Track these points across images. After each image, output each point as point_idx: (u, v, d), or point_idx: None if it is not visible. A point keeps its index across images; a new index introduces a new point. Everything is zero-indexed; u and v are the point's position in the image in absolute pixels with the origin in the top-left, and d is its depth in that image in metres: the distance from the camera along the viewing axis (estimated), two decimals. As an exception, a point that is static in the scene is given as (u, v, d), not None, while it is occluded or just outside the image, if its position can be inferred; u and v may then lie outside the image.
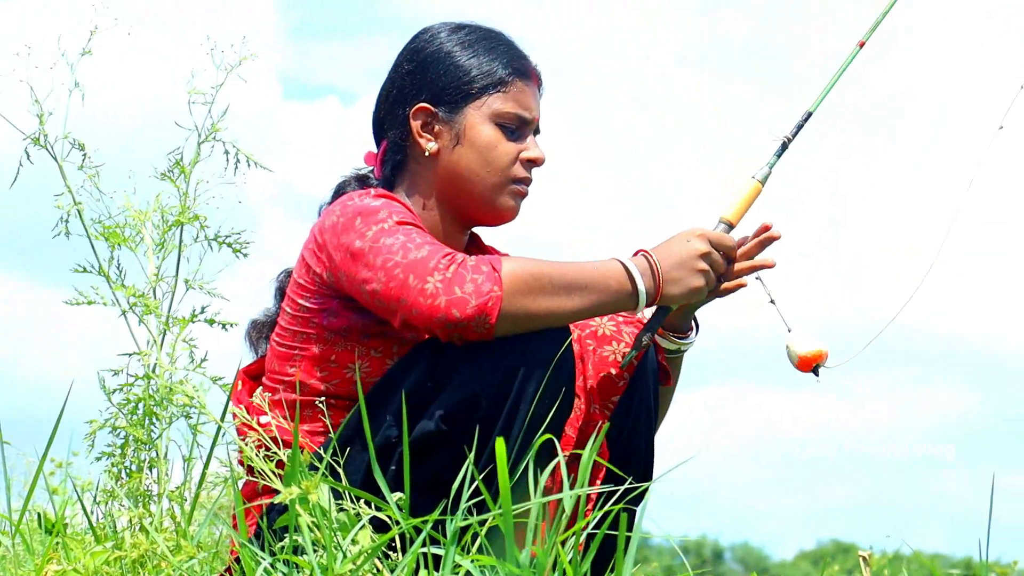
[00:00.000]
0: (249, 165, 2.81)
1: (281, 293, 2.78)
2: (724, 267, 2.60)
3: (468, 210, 2.72)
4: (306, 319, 2.59)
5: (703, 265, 2.56)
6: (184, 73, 2.84)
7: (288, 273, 2.77)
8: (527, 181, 2.73)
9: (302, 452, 2.24)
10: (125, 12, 2.81)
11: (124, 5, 2.83)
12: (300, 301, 2.60)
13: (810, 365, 2.63)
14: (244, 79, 2.82)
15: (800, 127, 2.71)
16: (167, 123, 2.85)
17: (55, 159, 2.78)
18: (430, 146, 2.70)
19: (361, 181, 2.82)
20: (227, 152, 2.81)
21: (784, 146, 2.70)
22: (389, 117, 2.75)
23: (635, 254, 2.56)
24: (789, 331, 2.65)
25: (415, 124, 2.71)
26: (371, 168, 2.82)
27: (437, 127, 2.70)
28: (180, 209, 2.77)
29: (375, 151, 2.81)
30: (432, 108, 2.70)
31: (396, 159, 2.74)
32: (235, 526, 2.34)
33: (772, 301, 2.67)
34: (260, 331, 2.79)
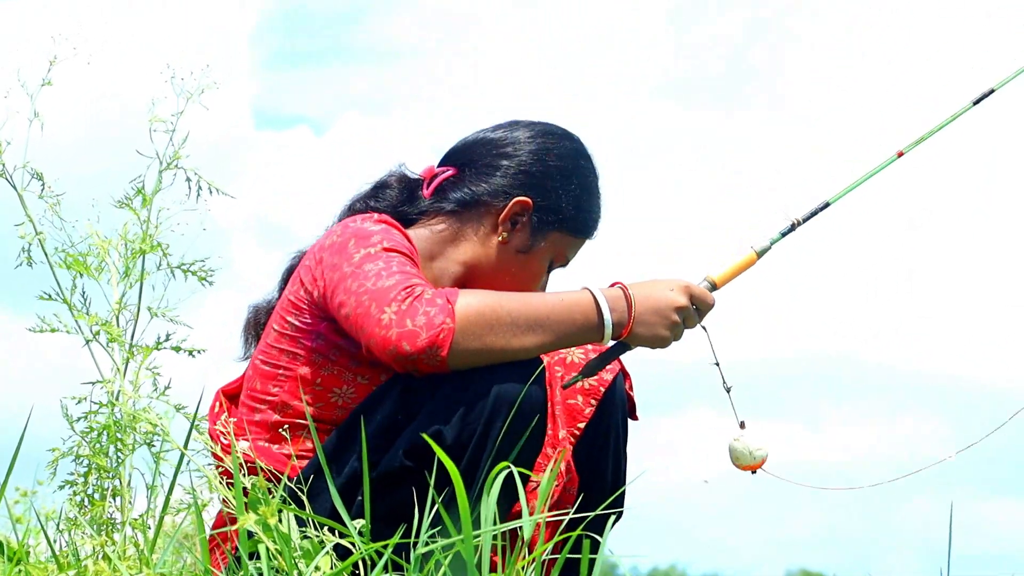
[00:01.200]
0: (211, 192, 2.81)
1: (287, 277, 2.78)
2: (696, 322, 2.60)
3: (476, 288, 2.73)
4: (295, 338, 2.60)
5: (677, 318, 2.56)
6: (145, 101, 2.84)
7: (299, 255, 2.77)
8: None
9: (276, 479, 2.25)
10: (86, 42, 2.82)
11: (87, 35, 2.84)
12: (290, 319, 2.61)
13: (748, 469, 2.62)
14: (206, 107, 2.83)
15: (814, 214, 2.69)
16: (129, 151, 2.86)
17: (15, 188, 2.78)
18: (504, 234, 2.72)
19: (406, 184, 2.82)
20: (189, 180, 2.81)
21: (792, 227, 2.69)
22: (489, 171, 2.76)
23: (612, 285, 2.57)
24: (742, 427, 2.62)
25: (511, 208, 2.72)
26: (421, 178, 2.83)
27: (520, 225, 2.73)
28: (142, 237, 2.78)
29: (435, 168, 2.82)
30: (531, 208, 2.72)
31: (458, 207, 2.75)
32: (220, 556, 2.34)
33: (728, 390, 2.64)
34: (260, 315, 2.79)
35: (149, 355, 2.70)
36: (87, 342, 2.72)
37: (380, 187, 2.82)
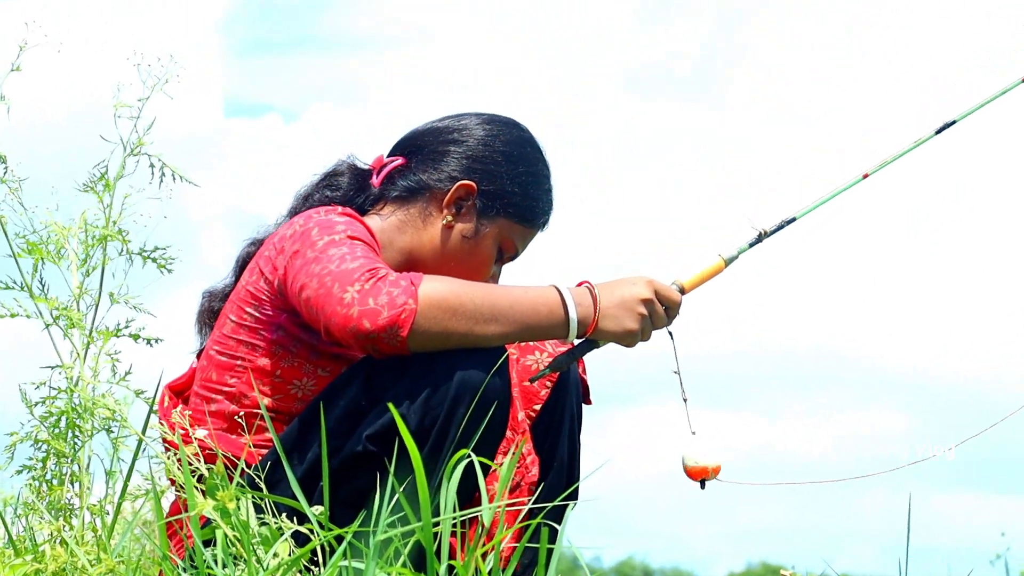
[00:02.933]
0: (175, 179, 2.81)
1: (242, 266, 2.77)
2: (663, 320, 2.61)
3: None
4: (255, 330, 2.60)
5: (643, 310, 2.57)
6: (111, 87, 2.84)
7: (254, 243, 2.78)
8: None
9: (234, 467, 2.24)
10: (58, 29, 2.81)
11: (57, 22, 2.83)
12: (249, 310, 2.61)
13: (698, 477, 2.63)
14: (170, 96, 2.82)
15: (780, 228, 2.72)
16: (94, 138, 2.85)
17: (-22, 172, 2.76)
18: (448, 218, 2.73)
19: (356, 174, 2.84)
20: (152, 166, 2.80)
21: (760, 238, 2.72)
22: (436, 158, 2.78)
23: (579, 284, 2.58)
24: (693, 434, 2.63)
25: (454, 192, 2.74)
26: (369, 169, 2.85)
27: (466, 210, 2.75)
28: (105, 223, 2.77)
29: (384, 158, 2.84)
30: (476, 192, 2.74)
31: (406, 193, 2.77)
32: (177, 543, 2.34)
33: (685, 399, 2.64)
34: (215, 301, 2.78)
35: (108, 341, 2.70)
36: (47, 327, 2.71)
37: (331, 176, 2.84)
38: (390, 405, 2.27)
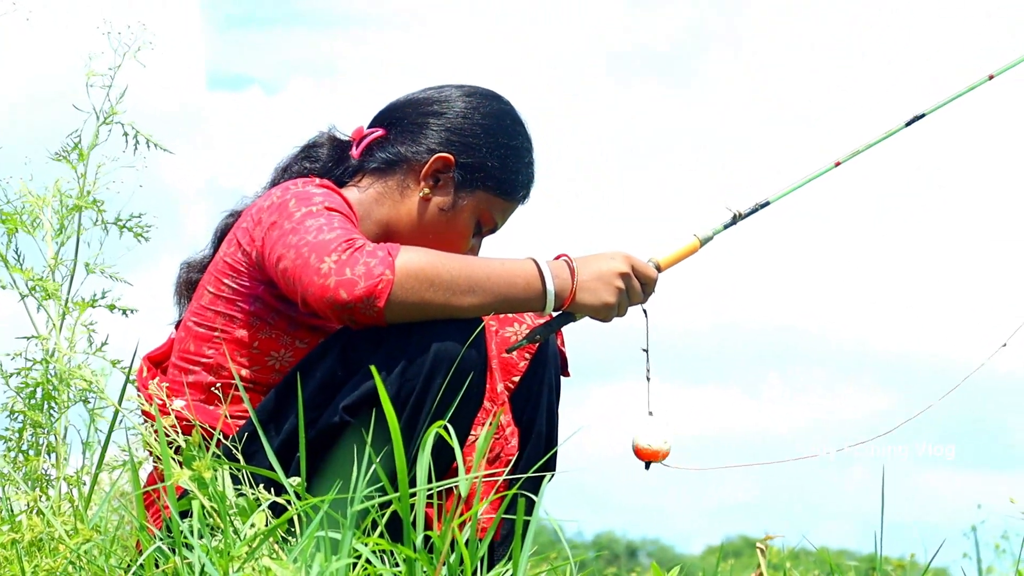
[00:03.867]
0: (149, 147, 2.80)
1: (220, 237, 2.77)
2: (640, 296, 2.62)
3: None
4: (232, 301, 2.60)
5: (620, 284, 2.58)
6: (82, 57, 2.83)
7: (233, 215, 2.77)
8: None
9: (211, 438, 2.25)
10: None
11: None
12: (227, 282, 2.60)
13: (646, 458, 2.64)
14: (143, 63, 2.81)
15: (755, 211, 2.76)
16: (66, 107, 2.84)
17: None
18: (426, 191, 2.72)
19: (335, 146, 2.83)
20: (126, 134, 2.80)
21: (734, 220, 2.75)
22: (412, 130, 2.78)
23: (556, 257, 2.58)
24: (650, 414, 2.65)
25: (432, 164, 2.73)
26: (350, 140, 2.84)
27: (443, 182, 2.74)
28: (79, 193, 2.77)
29: (364, 129, 2.83)
30: (453, 165, 2.73)
31: (384, 165, 2.77)
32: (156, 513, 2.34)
33: (648, 378, 2.67)
34: (193, 272, 2.78)
35: (85, 311, 2.70)
36: (22, 297, 2.71)
37: (311, 148, 2.83)
38: (373, 369, 2.27)
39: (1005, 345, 2.79)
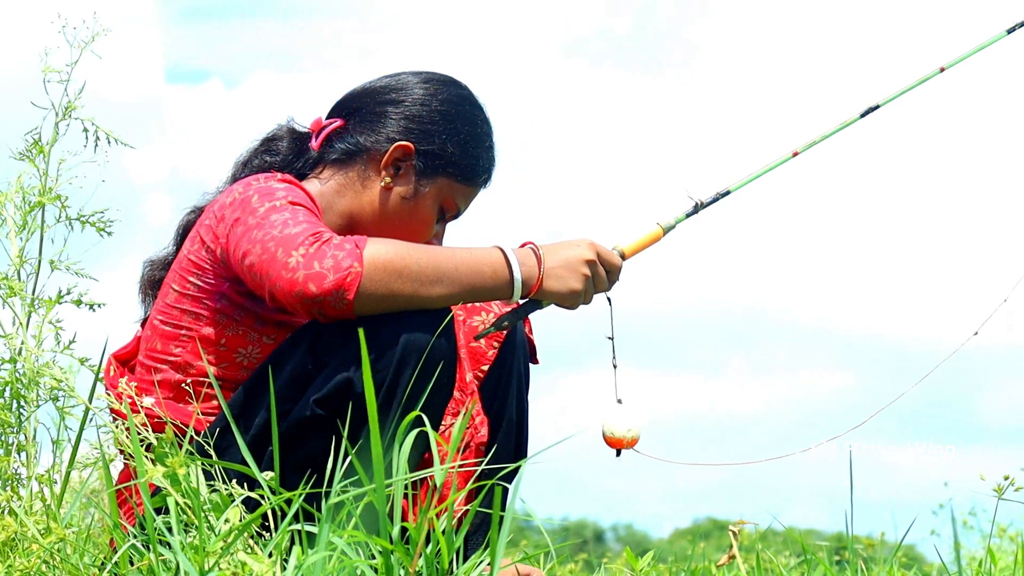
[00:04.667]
0: (110, 143, 2.79)
1: (183, 234, 2.75)
2: (605, 283, 2.63)
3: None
4: (198, 299, 2.58)
5: (586, 271, 2.58)
6: (38, 52, 2.81)
7: (195, 211, 2.75)
8: None
9: (183, 435, 2.24)
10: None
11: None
12: (191, 280, 2.59)
13: (616, 446, 2.65)
14: (99, 55, 2.80)
15: (715, 200, 2.80)
16: (23, 103, 2.82)
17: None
18: (387, 180, 2.71)
19: (295, 138, 2.82)
20: (86, 130, 2.78)
21: (696, 209, 2.78)
22: (371, 119, 2.76)
23: (523, 245, 2.58)
24: (619, 402, 2.66)
25: (392, 153, 2.72)
26: (309, 132, 2.82)
27: (404, 171, 2.73)
28: (41, 189, 2.75)
29: (323, 120, 2.82)
30: (414, 155, 2.72)
31: (344, 156, 2.75)
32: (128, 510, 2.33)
33: (615, 366, 2.68)
34: (156, 271, 2.76)
35: (52, 309, 2.68)
36: (-13, 296, 2.69)
37: (270, 141, 2.82)
38: (366, 363, 2.25)
39: (976, 334, 2.83)
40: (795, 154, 2.87)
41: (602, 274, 2.61)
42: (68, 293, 2.70)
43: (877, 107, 2.94)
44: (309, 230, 2.42)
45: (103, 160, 2.78)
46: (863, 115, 2.93)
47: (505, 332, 2.77)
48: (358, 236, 2.45)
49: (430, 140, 2.73)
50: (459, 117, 2.76)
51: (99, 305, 2.73)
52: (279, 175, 2.63)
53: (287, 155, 2.79)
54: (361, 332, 2.11)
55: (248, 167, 2.79)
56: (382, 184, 2.72)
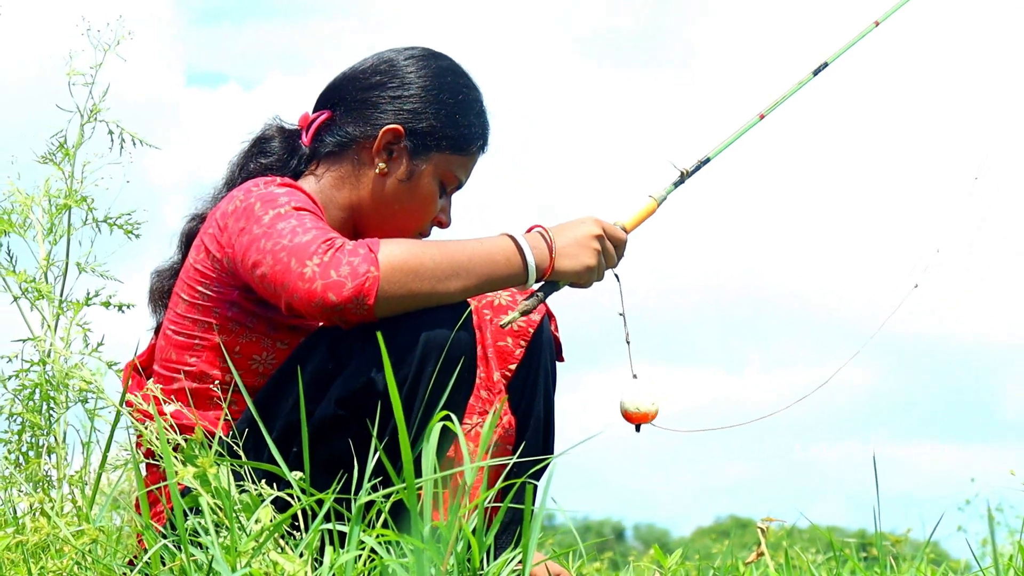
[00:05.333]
0: (135, 144, 2.80)
1: (187, 240, 2.75)
2: (614, 258, 2.65)
3: (368, 230, 2.74)
4: (207, 308, 2.58)
5: (597, 246, 2.60)
6: (62, 55, 2.82)
7: (196, 218, 2.75)
8: (426, 235, 2.77)
9: (208, 438, 2.24)
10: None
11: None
12: (200, 288, 2.58)
13: (635, 421, 2.65)
14: (123, 58, 2.81)
15: (698, 168, 2.82)
16: (49, 106, 2.83)
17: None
18: (382, 166, 2.71)
19: (285, 137, 2.81)
20: (111, 132, 2.79)
21: (682, 178, 2.80)
22: (356, 108, 2.75)
23: (529, 230, 2.59)
24: (634, 377, 2.67)
25: (382, 139, 2.71)
26: (298, 128, 2.82)
27: (396, 154, 2.72)
28: (67, 192, 2.76)
29: (310, 114, 2.81)
30: (403, 136, 2.71)
31: (336, 148, 2.74)
32: (139, 510, 2.34)
33: (628, 342, 2.68)
34: (164, 280, 2.76)
35: (79, 311, 2.69)
36: (15, 299, 2.70)
37: (261, 142, 2.81)
38: (385, 362, 2.25)
39: (917, 286, 2.85)
40: (761, 116, 2.92)
41: (611, 248, 2.64)
42: (96, 295, 2.71)
43: (826, 65, 3.01)
44: (320, 237, 2.42)
45: (127, 162, 2.79)
46: (815, 73, 2.99)
47: (533, 330, 2.77)
48: (370, 239, 2.44)
49: (417, 119, 2.72)
50: (442, 89, 2.75)
51: (128, 307, 2.75)
52: (278, 179, 2.61)
53: (281, 155, 2.78)
54: (379, 334, 2.11)
55: (244, 170, 2.77)
56: (377, 171, 2.71)
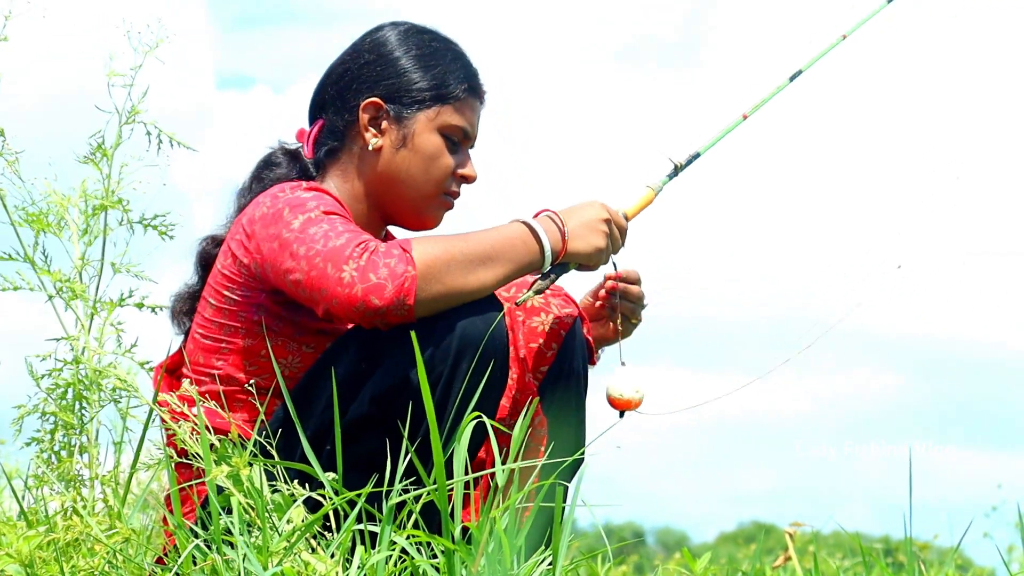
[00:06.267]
0: (172, 145, 2.81)
1: (202, 262, 2.76)
2: (619, 241, 2.67)
3: (394, 210, 2.74)
4: (234, 312, 2.58)
5: (606, 228, 2.63)
6: (102, 56, 2.83)
7: (211, 240, 2.76)
8: (456, 195, 2.77)
9: (243, 439, 2.25)
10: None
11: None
12: (226, 293, 2.59)
13: (619, 407, 2.68)
14: (162, 60, 2.82)
15: (690, 162, 2.86)
16: (87, 107, 2.85)
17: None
18: (375, 142, 2.71)
19: (290, 156, 2.82)
20: (149, 133, 2.81)
21: (676, 171, 2.83)
22: (336, 101, 2.76)
23: (537, 214, 2.60)
24: (622, 364, 2.72)
25: (364, 117, 2.72)
26: (300, 145, 2.82)
27: (385, 124, 2.72)
28: (104, 193, 2.77)
29: (307, 128, 2.82)
30: (384, 105, 2.72)
31: (333, 144, 2.75)
32: (171, 510, 2.35)
33: (618, 331, 2.80)
34: (183, 303, 2.77)
35: (113, 311, 2.70)
36: (50, 298, 2.71)
37: (268, 166, 2.81)
38: (419, 361, 2.26)
39: (900, 267, 2.87)
40: (744, 117, 2.96)
41: (616, 232, 2.66)
42: (130, 296, 2.73)
43: (800, 72, 3.04)
44: (353, 240, 2.43)
45: (165, 164, 2.80)
46: (792, 79, 3.03)
47: (565, 333, 2.77)
48: (403, 239, 2.45)
49: (388, 83, 2.72)
50: (405, 47, 2.75)
51: (161, 308, 2.76)
52: (304, 183, 2.63)
53: (289, 172, 2.79)
54: (413, 333, 2.12)
55: (252, 194, 2.78)
56: (372, 148, 2.72)
